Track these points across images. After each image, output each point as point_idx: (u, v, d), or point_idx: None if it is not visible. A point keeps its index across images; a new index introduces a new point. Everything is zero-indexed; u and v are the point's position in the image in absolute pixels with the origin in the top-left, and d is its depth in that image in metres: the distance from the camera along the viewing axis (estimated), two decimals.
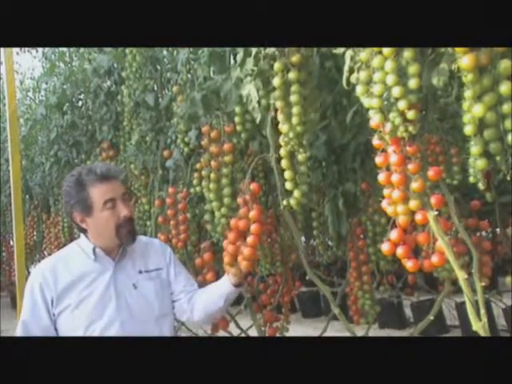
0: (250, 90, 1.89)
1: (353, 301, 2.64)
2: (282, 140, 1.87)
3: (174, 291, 1.95)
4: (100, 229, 1.81)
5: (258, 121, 1.94)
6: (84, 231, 1.86)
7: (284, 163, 1.97)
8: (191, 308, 1.95)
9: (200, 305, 1.95)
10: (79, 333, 1.76)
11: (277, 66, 1.78)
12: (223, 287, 1.96)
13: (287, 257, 2.60)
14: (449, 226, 1.66)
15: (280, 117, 1.81)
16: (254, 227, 1.95)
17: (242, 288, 2.00)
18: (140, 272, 1.87)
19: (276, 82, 1.78)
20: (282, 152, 1.95)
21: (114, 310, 1.78)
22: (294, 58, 1.76)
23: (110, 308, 1.78)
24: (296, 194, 1.98)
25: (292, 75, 1.76)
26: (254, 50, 1.87)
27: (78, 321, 1.76)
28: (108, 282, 1.80)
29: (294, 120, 1.77)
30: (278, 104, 1.79)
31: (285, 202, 2.03)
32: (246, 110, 2.03)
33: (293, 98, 1.76)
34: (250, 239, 1.94)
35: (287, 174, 1.98)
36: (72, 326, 1.77)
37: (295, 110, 1.76)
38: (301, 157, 1.97)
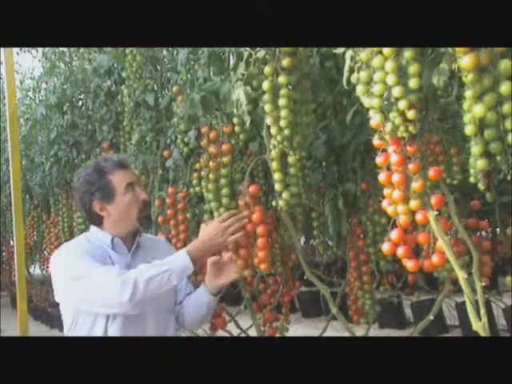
0: (239, 94, 1.90)
1: (353, 301, 2.64)
2: (271, 142, 1.88)
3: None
4: (122, 213, 1.82)
5: (247, 124, 1.95)
6: (99, 223, 1.85)
7: (274, 165, 2.00)
8: (182, 312, 1.96)
9: (187, 311, 1.96)
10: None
11: (267, 69, 1.78)
12: (203, 297, 1.95)
13: (287, 257, 2.60)
14: (449, 226, 1.66)
15: (268, 120, 1.81)
16: (260, 229, 1.99)
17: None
18: None
19: (265, 85, 1.78)
20: (272, 154, 1.97)
21: None
22: (285, 62, 1.76)
23: None
24: (285, 195, 2.00)
25: (282, 79, 1.76)
26: (245, 55, 1.87)
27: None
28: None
29: (282, 123, 1.77)
30: (267, 107, 1.79)
31: (274, 203, 2.04)
32: None
33: (281, 101, 1.76)
34: (259, 241, 1.99)
35: (276, 176, 2.00)
36: None
37: (283, 113, 1.76)
38: (291, 159, 1.98)
